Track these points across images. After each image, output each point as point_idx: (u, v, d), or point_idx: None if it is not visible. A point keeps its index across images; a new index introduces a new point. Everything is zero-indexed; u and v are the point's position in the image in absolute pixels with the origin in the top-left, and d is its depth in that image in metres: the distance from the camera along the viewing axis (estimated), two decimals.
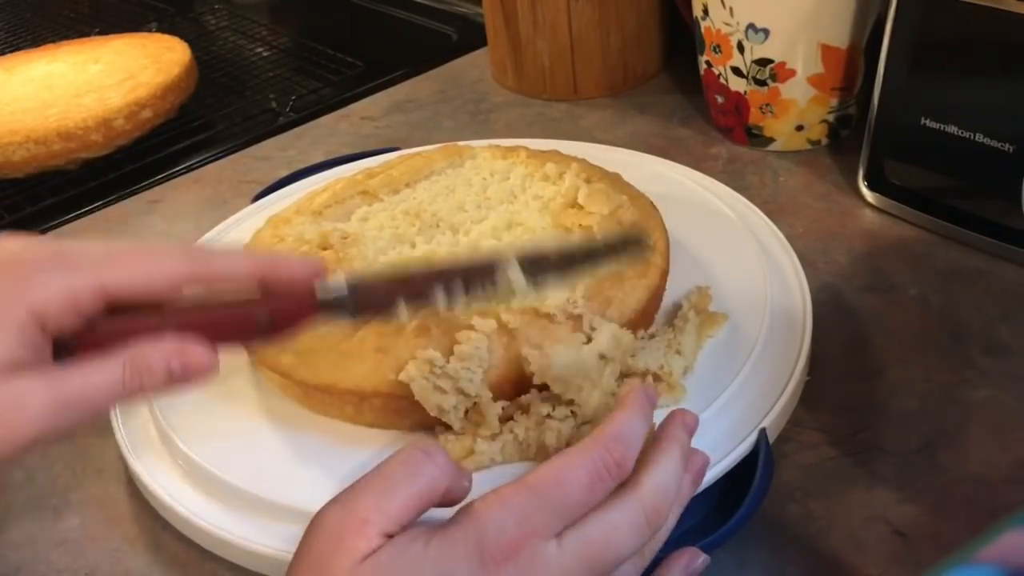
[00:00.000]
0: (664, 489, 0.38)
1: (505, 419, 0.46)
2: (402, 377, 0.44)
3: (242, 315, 0.39)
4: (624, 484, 0.37)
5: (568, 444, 0.44)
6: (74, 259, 0.36)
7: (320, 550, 0.34)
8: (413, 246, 0.53)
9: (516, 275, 0.42)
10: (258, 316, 0.39)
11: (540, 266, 0.42)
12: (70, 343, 0.36)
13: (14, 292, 0.35)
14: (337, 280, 0.41)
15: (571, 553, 0.35)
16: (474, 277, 0.42)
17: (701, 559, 0.40)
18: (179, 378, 0.37)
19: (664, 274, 0.52)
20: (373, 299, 0.41)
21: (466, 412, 0.45)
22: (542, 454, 0.44)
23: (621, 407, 0.39)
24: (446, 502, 0.37)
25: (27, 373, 0.34)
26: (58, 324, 0.35)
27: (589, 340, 0.46)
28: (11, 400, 0.34)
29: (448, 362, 0.44)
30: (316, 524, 0.35)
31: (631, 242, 0.47)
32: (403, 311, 0.41)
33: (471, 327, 0.46)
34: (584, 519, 0.36)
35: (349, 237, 0.54)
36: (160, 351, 0.36)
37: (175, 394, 0.38)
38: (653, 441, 0.39)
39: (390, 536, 0.34)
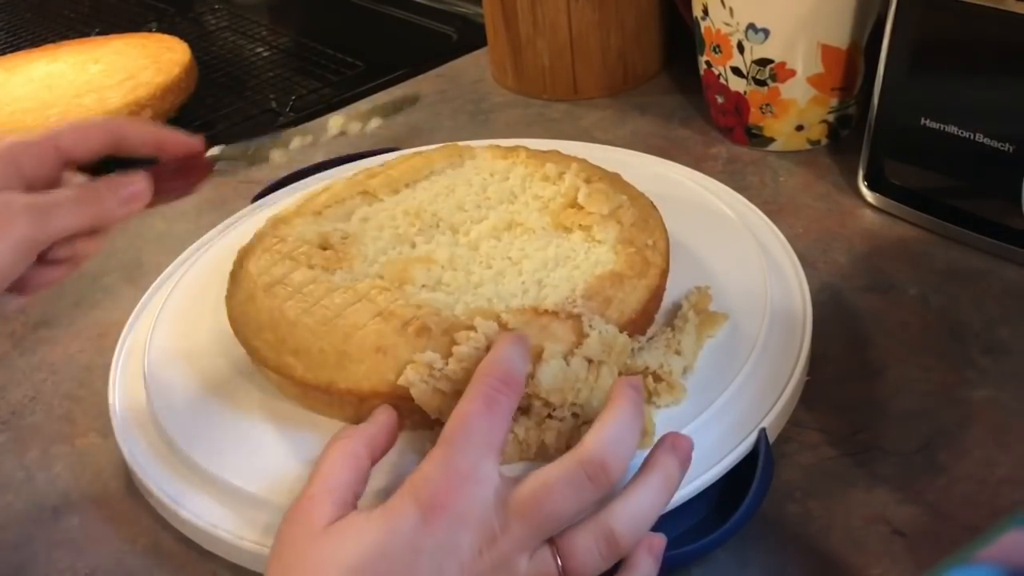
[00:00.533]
0: (610, 443, 0.38)
1: None
2: (401, 382, 0.44)
3: (157, 168, 0.50)
4: None
5: (569, 445, 0.44)
6: (37, 131, 0.47)
7: (284, 533, 0.38)
8: (413, 246, 0.53)
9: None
10: (168, 167, 0.51)
11: None
12: None
13: (3, 143, 0.45)
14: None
15: (505, 503, 0.36)
16: None
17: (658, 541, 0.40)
18: (124, 197, 0.47)
19: (664, 274, 0.52)
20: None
21: None
22: (542, 454, 0.44)
23: (492, 346, 0.43)
24: (382, 452, 0.43)
25: (8, 192, 0.43)
26: (33, 170, 0.45)
27: (585, 337, 0.46)
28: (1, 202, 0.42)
29: (447, 364, 0.44)
30: (284, 520, 0.39)
31: None
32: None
33: (471, 327, 0.46)
34: (524, 475, 0.38)
35: (349, 237, 0.54)
36: (106, 180, 0.47)
37: (120, 221, 0.47)
38: (606, 404, 0.40)
39: (344, 503, 0.39)
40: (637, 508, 0.38)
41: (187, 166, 0.52)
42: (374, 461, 0.42)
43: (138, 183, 0.48)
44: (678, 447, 0.41)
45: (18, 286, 0.45)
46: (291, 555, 0.37)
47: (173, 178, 0.51)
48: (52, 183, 0.46)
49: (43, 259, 0.44)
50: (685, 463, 0.41)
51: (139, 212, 0.48)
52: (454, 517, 0.36)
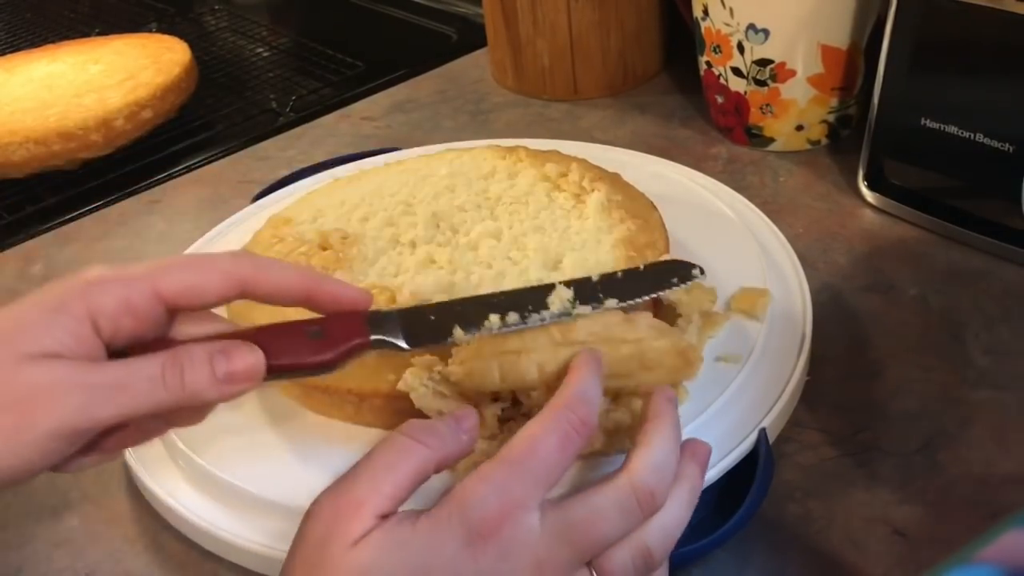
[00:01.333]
0: (657, 469, 0.37)
1: (505, 420, 0.46)
2: (401, 387, 0.44)
3: (293, 329, 0.39)
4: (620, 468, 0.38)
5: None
6: (129, 270, 0.38)
7: (316, 537, 0.35)
8: (413, 246, 0.53)
9: (566, 293, 0.42)
10: (308, 331, 0.38)
11: (587, 287, 0.43)
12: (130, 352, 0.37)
13: (74, 292, 0.36)
14: (388, 312, 0.41)
15: (553, 531, 0.35)
16: (525, 302, 0.42)
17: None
18: (222, 376, 0.36)
19: None
20: (425, 325, 0.41)
21: None
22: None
23: (572, 371, 0.40)
24: (449, 464, 0.39)
25: (63, 360, 0.34)
26: (114, 325, 0.36)
27: None
28: (42, 380, 0.33)
29: (447, 365, 0.44)
30: (311, 514, 0.36)
31: (679, 269, 0.47)
32: (459, 335, 0.41)
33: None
34: (571, 498, 0.36)
35: (349, 237, 0.54)
36: (204, 347, 0.36)
37: (217, 402, 0.37)
38: (642, 422, 0.39)
39: (384, 516, 0.35)
40: (669, 522, 0.38)
41: (333, 333, 0.39)
42: (427, 477, 0.37)
43: (249, 358, 0.37)
44: (698, 454, 0.40)
45: (89, 448, 0.36)
46: (322, 561, 0.34)
47: (308, 350, 0.38)
48: (155, 331, 0.38)
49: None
50: (705, 469, 0.41)
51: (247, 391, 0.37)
52: (502, 546, 0.35)
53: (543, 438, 0.37)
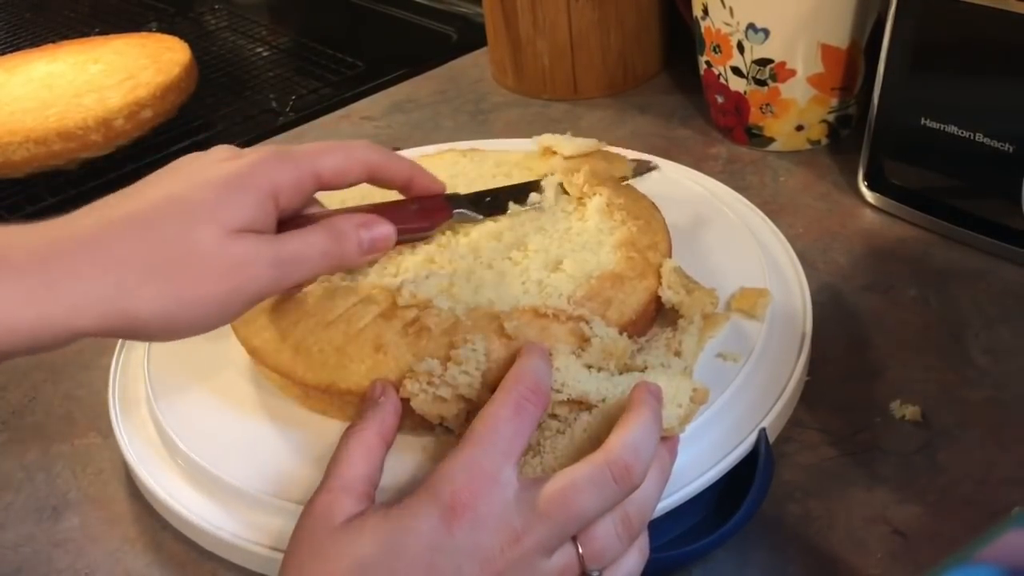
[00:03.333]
0: (633, 446, 0.38)
1: None
2: (402, 394, 0.44)
3: (399, 207, 0.49)
4: None
5: (573, 449, 0.44)
6: (294, 153, 0.43)
7: (303, 528, 0.38)
8: (414, 246, 0.53)
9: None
10: (410, 208, 0.49)
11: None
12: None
13: (257, 168, 0.41)
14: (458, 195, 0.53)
15: (530, 505, 0.36)
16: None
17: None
18: (367, 245, 0.44)
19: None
20: (485, 203, 0.53)
21: (468, 414, 0.45)
22: (540, 452, 0.44)
23: (519, 354, 0.43)
24: (394, 429, 0.43)
25: (256, 235, 0.40)
26: (288, 202, 0.42)
27: (586, 340, 0.46)
28: (245, 255, 0.39)
29: (445, 369, 0.44)
30: (302, 515, 0.39)
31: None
32: (514, 207, 0.54)
33: (470, 329, 0.46)
34: (549, 476, 0.38)
35: None
36: (350, 220, 0.44)
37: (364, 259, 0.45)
38: (625, 411, 0.40)
39: (363, 495, 0.39)
40: (646, 491, 0.39)
41: (427, 207, 0.50)
42: (388, 446, 0.42)
43: (384, 227, 0.45)
44: (667, 440, 0.41)
45: None
46: (308, 549, 0.37)
47: (414, 219, 0.49)
48: (306, 205, 0.45)
49: None
50: (674, 453, 0.42)
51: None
52: (475, 518, 0.36)
53: (497, 411, 0.39)
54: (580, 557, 0.37)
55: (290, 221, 0.43)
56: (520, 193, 0.55)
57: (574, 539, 0.38)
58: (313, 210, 0.46)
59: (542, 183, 0.55)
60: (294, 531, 0.38)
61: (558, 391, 0.43)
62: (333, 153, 0.44)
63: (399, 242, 0.48)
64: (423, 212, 0.50)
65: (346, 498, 0.38)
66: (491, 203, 0.54)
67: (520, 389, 0.40)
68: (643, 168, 0.65)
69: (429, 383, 0.44)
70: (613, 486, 0.37)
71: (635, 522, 0.39)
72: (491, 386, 0.45)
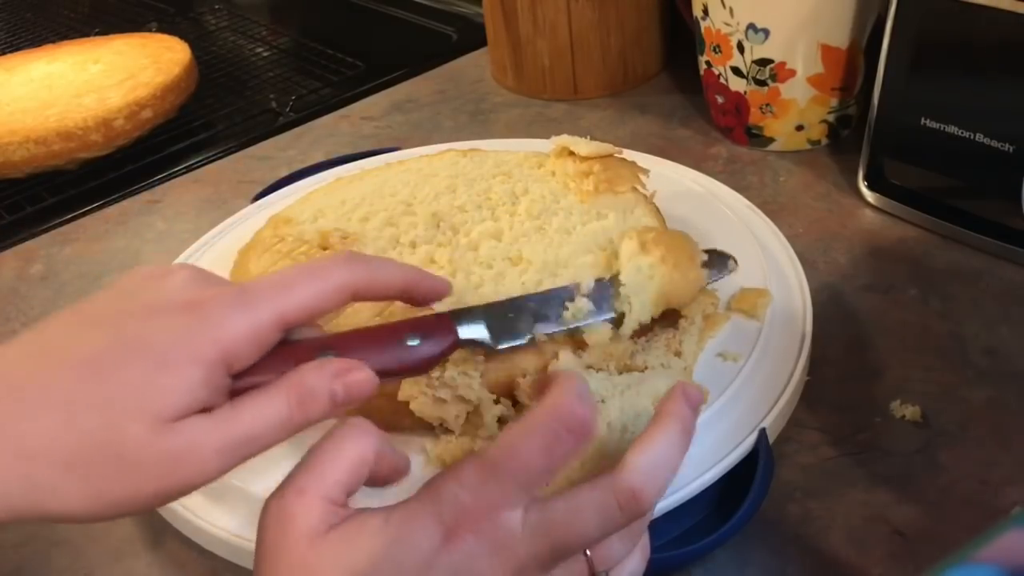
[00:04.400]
0: (647, 472, 0.35)
1: (504, 420, 0.46)
2: (401, 397, 0.44)
3: (391, 337, 0.39)
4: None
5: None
6: (253, 294, 0.36)
7: (269, 534, 0.34)
8: (413, 246, 0.53)
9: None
10: (406, 338, 0.39)
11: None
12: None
13: (203, 333, 0.34)
14: (469, 310, 0.42)
15: (533, 529, 0.34)
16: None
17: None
18: (341, 401, 0.36)
19: None
20: (507, 323, 0.43)
21: (467, 415, 0.45)
22: None
23: (559, 376, 0.37)
24: (384, 474, 0.37)
25: (202, 416, 0.34)
26: (245, 362, 0.35)
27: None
28: (186, 446, 0.33)
29: (444, 370, 0.44)
30: (261, 519, 0.35)
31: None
32: (540, 332, 0.44)
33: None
34: (557, 496, 0.35)
35: (349, 237, 0.54)
36: (320, 375, 0.36)
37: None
38: (654, 418, 0.37)
39: (335, 503, 0.34)
40: (650, 459, 0.36)
41: (427, 338, 0.39)
42: (376, 479, 0.37)
43: (362, 374, 0.36)
44: (691, 397, 0.38)
45: None
46: (287, 559, 0.33)
47: (408, 352, 0.39)
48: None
49: None
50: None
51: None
52: (478, 543, 0.34)
53: (526, 444, 0.34)
54: (588, 559, 0.36)
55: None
56: (551, 305, 0.45)
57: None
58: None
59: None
60: (261, 536, 0.34)
61: None
62: (304, 285, 0.36)
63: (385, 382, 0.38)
64: (423, 347, 0.39)
65: (319, 503, 0.34)
66: (512, 323, 0.43)
67: (558, 427, 0.34)
68: (719, 265, 0.53)
69: (428, 385, 0.44)
70: (618, 513, 0.35)
71: (643, 521, 0.37)
72: (490, 386, 0.45)
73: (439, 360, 0.40)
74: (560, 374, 0.37)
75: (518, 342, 0.43)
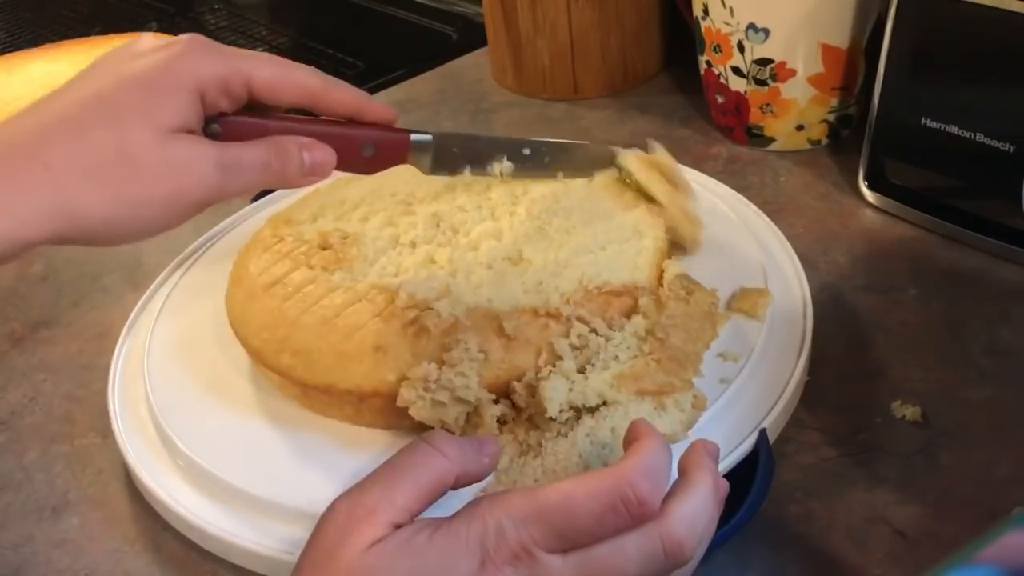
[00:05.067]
0: (690, 522, 0.36)
1: (503, 422, 0.46)
2: (400, 403, 0.44)
3: (352, 134, 0.46)
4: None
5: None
6: (224, 49, 0.41)
7: (329, 540, 0.35)
8: (413, 246, 0.53)
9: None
10: (364, 138, 0.47)
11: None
12: (215, 132, 0.42)
13: (179, 63, 0.40)
14: (422, 132, 0.49)
15: (573, 569, 0.34)
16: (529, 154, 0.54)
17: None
18: (308, 169, 0.43)
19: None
20: (447, 156, 0.51)
21: (467, 416, 0.45)
22: (541, 454, 0.44)
23: (640, 436, 0.38)
24: (464, 484, 0.38)
25: (194, 136, 0.40)
26: (214, 102, 0.41)
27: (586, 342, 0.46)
28: (186, 155, 0.39)
29: (441, 372, 0.44)
30: (325, 517, 0.36)
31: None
32: (467, 172, 0.52)
33: (468, 328, 0.46)
34: (588, 548, 0.35)
35: (349, 237, 0.54)
36: (295, 141, 0.43)
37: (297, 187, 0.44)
38: (681, 472, 0.38)
39: (398, 526, 0.35)
40: (691, 509, 0.37)
41: (381, 141, 0.47)
42: (442, 494, 0.38)
43: (324, 153, 0.44)
44: (711, 452, 0.39)
45: None
46: (333, 563, 0.34)
47: (364, 161, 0.47)
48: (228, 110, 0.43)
49: None
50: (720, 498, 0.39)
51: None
52: (517, 573, 0.34)
53: (584, 501, 0.35)
54: None
55: (237, 126, 0.43)
56: (538, 157, 0.54)
57: None
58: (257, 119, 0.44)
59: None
60: (318, 539, 0.35)
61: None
62: (268, 64, 0.42)
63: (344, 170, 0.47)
64: (376, 160, 0.48)
65: (384, 524, 0.35)
66: (455, 157, 0.51)
67: (628, 493, 0.35)
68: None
69: (425, 388, 0.44)
70: (663, 561, 0.35)
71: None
72: (488, 387, 0.45)
73: (389, 160, 0.48)
74: (647, 434, 0.38)
75: (449, 175, 0.52)
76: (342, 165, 0.46)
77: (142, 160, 0.38)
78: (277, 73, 0.43)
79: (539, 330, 0.47)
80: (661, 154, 0.57)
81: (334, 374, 0.47)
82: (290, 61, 0.44)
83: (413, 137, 0.49)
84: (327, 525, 0.36)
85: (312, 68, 0.45)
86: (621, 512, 0.35)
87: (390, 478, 0.36)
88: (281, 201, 0.66)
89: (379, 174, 0.62)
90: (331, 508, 0.36)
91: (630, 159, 0.56)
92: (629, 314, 0.49)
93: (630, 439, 0.38)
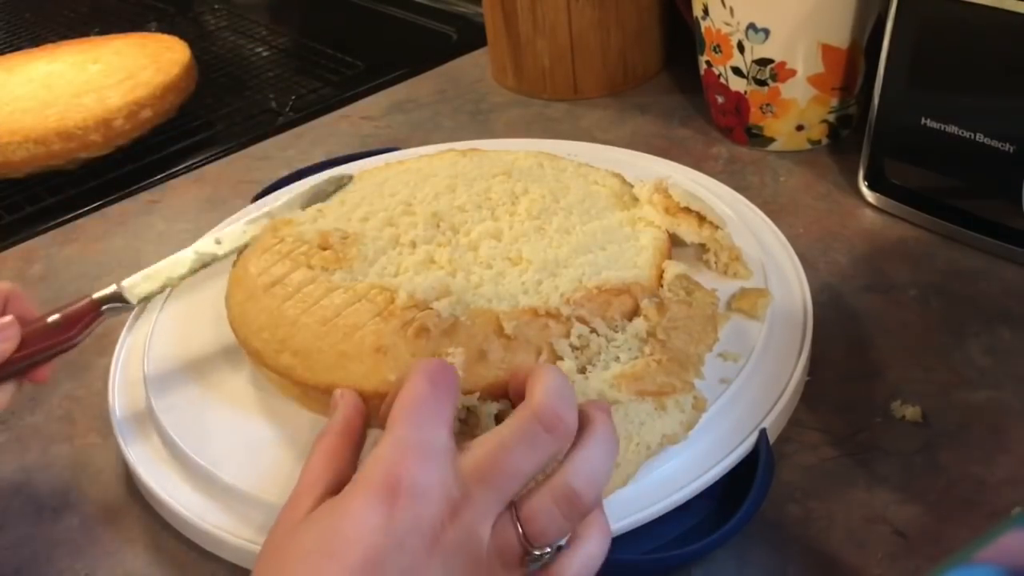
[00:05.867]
0: (558, 393, 0.37)
1: (502, 418, 0.46)
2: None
3: (38, 319, 0.49)
4: None
5: None
6: None
7: (269, 534, 0.37)
8: (414, 246, 0.53)
9: None
10: (50, 315, 0.49)
11: None
12: None
13: None
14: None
15: (464, 470, 0.35)
16: None
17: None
18: None
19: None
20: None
21: (465, 416, 0.45)
22: None
23: (536, 368, 0.40)
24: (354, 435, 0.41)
25: None
26: None
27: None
28: None
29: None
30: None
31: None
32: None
33: (469, 328, 0.46)
34: (476, 441, 0.37)
35: (349, 237, 0.54)
36: None
37: None
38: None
39: (328, 495, 0.37)
40: (592, 459, 0.37)
41: (72, 315, 0.50)
42: (356, 444, 0.41)
43: (7, 326, 0.47)
44: (596, 402, 0.40)
45: None
46: (269, 548, 0.37)
47: (53, 332, 0.49)
48: None
49: None
50: (608, 411, 0.40)
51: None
52: (412, 493, 0.34)
53: (412, 387, 0.38)
54: (520, 536, 0.35)
55: None
56: None
57: (513, 515, 0.36)
58: None
59: None
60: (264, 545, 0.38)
61: None
62: None
63: (38, 353, 0.48)
64: (64, 322, 0.49)
65: (308, 498, 0.37)
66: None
67: (430, 368, 0.39)
68: None
69: None
70: (546, 437, 0.36)
71: (583, 497, 0.36)
72: (488, 388, 0.45)
73: (83, 331, 0.50)
74: (537, 366, 0.40)
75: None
76: (38, 350, 0.48)
77: None
78: None
79: (539, 330, 0.46)
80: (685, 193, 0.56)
81: (334, 374, 0.47)
82: None
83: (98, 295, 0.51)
84: (271, 530, 0.38)
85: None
86: (544, 437, 0.36)
87: (301, 473, 0.39)
88: (281, 202, 0.66)
89: (379, 174, 0.63)
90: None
91: (672, 189, 0.55)
92: (630, 314, 0.49)
93: (520, 376, 0.40)
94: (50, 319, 0.49)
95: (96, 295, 0.51)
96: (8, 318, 0.47)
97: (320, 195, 0.60)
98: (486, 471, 0.35)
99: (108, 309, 0.51)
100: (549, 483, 0.36)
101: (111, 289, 0.52)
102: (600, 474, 0.37)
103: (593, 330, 0.47)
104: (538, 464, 0.36)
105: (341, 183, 0.62)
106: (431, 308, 0.47)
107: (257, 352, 0.50)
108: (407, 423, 0.37)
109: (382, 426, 0.40)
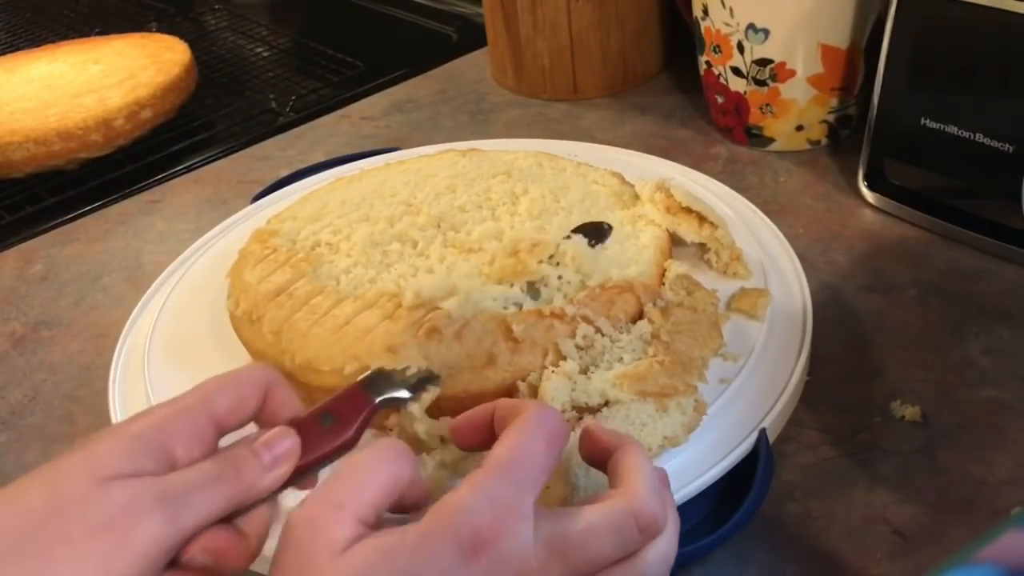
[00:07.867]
0: (657, 492, 0.36)
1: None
2: (389, 423, 0.45)
3: (307, 424, 0.39)
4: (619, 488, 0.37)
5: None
6: (185, 402, 0.37)
7: (298, 542, 0.34)
8: (414, 246, 0.53)
9: None
10: (321, 420, 0.40)
11: None
12: None
13: (150, 429, 0.36)
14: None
15: (547, 543, 0.35)
16: None
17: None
18: (269, 461, 0.37)
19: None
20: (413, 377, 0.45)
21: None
22: None
23: (626, 448, 0.38)
24: (411, 502, 0.38)
25: (137, 478, 0.34)
26: (188, 455, 0.36)
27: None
28: (123, 500, 0.33)
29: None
30: (292, 518, 0.35)
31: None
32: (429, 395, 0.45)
33: (478, 330, 0.46)
34: (567, 512, 0.36)
35: (349, 237, 0.54)
36: (244, 442, 0.38)
37: (270, 491, 0.37)
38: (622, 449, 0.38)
39: (366, 523, 0.34)
40: (667, 550, 0.37)
41: (342, 412, 0.40)
42: (400, 504, 0.37)
43: (286, 440, 0.38)
44: (663, 478, 0.39)
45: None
46: (308, 570, 0.34)
47: (328, 436, 0.39)
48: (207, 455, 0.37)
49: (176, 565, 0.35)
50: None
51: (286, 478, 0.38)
52: (496, 557, 0.33)
53: (532, 443, 0.36)
54: None
55: None
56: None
57: None
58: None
59: None
60: (286, 540, 0.35)
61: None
62: (227, 389, 0.38)
63: (322, 466, 0.39)
64: (338, 424, 0.40)
65: (352, 521, 0.34)
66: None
67: (550, 426, 0.36)
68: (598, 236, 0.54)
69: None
70: (636, 536, 0.36)
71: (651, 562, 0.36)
72: (495, 388, 0.45)
73: (362, 430, 0.40)
74: (626, 446, 0.38)
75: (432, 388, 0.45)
76: (317, 459, 0.39)
77: (71, 516, 0.33)
78: (231, 392, 0.38)
79: (545, 331, 0.47)
80: (686, 193, 0.56)
81: (348, 379, 0.46)
82: (244, 370, 0.40)
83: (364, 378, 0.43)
84: (295, 525, 0.35)
85: (262, 370, 0.40)
86: (635, 536, 0.35)
87: (353, 474, 0.36)
88: (281, 202, 0.66)
89: (379, 174, 0.63)
90: (297, 509, 0.35)
91: (675, 190, 0.55)
92: (633, 314, 0.49)
93: (601, 448, 0.39)
94: (322, 420, 0.40)
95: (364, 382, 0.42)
96: (287, 441, 0.38)
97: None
98: (571, 551, 0.35)
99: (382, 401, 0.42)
100: (629, 568, 0.36)
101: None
102: (670, 564, 0.37)
103: (598, 330, 0.47)
104: (621, 555, 0.36)
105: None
106: (439, 308, 0.47)
107: (262, 356, 0.50)
108: (507, 479, 0.35)
109: (458, 442, 0.40)
